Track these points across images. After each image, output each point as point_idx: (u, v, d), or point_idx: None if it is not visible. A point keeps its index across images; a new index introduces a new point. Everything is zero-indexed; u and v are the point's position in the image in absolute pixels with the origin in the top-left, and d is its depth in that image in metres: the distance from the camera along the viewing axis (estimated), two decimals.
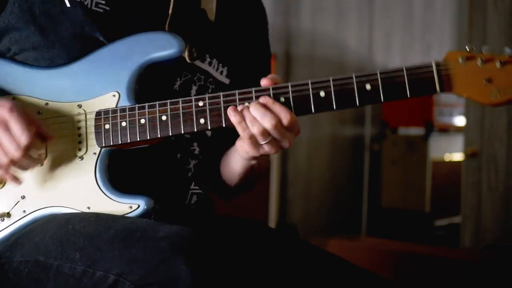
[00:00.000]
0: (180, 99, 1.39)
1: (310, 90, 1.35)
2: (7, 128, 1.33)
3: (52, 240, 1.32)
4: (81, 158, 1.42)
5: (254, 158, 1.43)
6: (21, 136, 1.32)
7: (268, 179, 4.09)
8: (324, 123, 5.05)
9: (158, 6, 1.50)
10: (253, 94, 1.36)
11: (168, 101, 1.39)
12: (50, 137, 1.39)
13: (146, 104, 1.40)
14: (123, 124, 1.40)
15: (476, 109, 3.79)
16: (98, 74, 1.43)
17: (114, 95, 1.42)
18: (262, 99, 1.35)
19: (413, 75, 1.32)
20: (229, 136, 1.46)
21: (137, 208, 1.37)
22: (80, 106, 1.43)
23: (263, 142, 1.35)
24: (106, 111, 1.41)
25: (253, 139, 1.35)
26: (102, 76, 1.43)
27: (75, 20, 1.43)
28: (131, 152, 1.44)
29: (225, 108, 1.37)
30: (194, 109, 1.38)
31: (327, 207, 5.07)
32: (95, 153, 1.41)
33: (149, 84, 1.45)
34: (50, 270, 1.29)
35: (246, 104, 1.36)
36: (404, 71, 1.32)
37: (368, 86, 1.33)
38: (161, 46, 1.42)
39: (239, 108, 1.35)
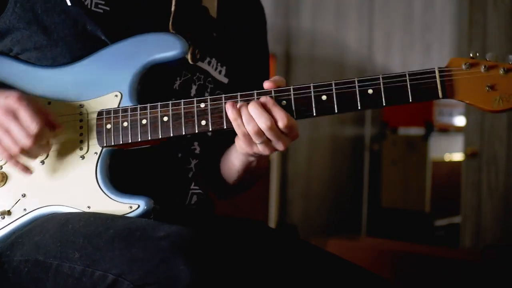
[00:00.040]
0: (182, 101, 1.39)
1: (312, 93, 1.35)
2: (16, 117, 1.33)
3: (52, 240, 1.32)
4: (82, 157, 1.42)
5: (251, 155, 1.44)
6: (31, 124, 1.32)
7: (268, 179, 4.09)
8: (324, 123, 5.05)
9: (160, 5, 1.50)
10: (255, 97, 1.36)
11: (170, 102, 1.39)
12: (59, 126, 1.39)
13: (148, 105, 1.40)
14: (125, 124, 1.40)
15: (476, 110, 3.77)
16: (101, 74, 1.43)
17: (116, 95, 1.42)
18: (263, 99, 1.35)
19: (416, 80, 1.32)
20: (230, 135, 1.46)
21: (137, 208, 1.37)
22: (82, 105, 1.43)
23: (257, 142, 1.35)
24: (108, 111, 1.41)
25: (247, 137, 1.35)
26: (105, 76, 1.43)
27: (77, 19, 1.44)
28: (132, 152, 1.44)
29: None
30: (195, 111, 1.38)
31: (327, 207, 5.07)
32: (96, 153, 1.41)
33: (149, 83, 1.45)
34: (50, 270, 1.29)
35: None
36: (407, 76, 1.32)
37: (370, 91, 1.33)
38: (164, 47, 1.42)
39: (239, 105, 1.35)
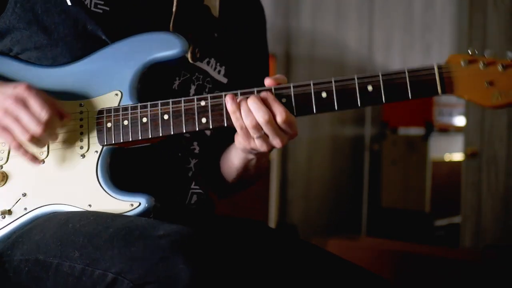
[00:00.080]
0: (183, 98, 1.39)
1: (312, 90, 1.35)
2: (26, 105, 1.34)
3: (52, 239, 1.32)
4: (83, 156, 1.42)
5: (250, 152, 1.44)
6: (41, 111, 1.33)
7: (268, 179, 4.10)
8: (324, 123, 5.05)
9: (160, 5, 1.50)
10: (255, 94, 1.37)
11: (170, 100, 1.39)
12: (67, 115, 1.40)
13: (148, 103, 1.40)
14: (125, 122, 1.40)
15: (476, 109, 3.79)
16: (101, 73, 1.43)
17: (116, 94, 1.42)
18: (263, 94, 1.35)
19: (415, 77, 1.32)
20: (229, 135, 1.47)
21: (138, 206, 1.37)
22: (82, 104, 1.43)
23: (254, 136, 1.36)
24: (109, 110, 1.42)
25: (244, 130, 1.36)
26: (105, 75, 1.43)
27: (77, 19, 1.44)
28: (133, 150, 1.44)
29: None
30: (196, 108, 1.39)
31: (327, 207, 5.07)
32: (96, 151, 1.41)
33: (149, 83, 1.45)
34: (50, 269, 1.29)
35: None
36: (406, 73, 1.33)
37: (369, 87, 1.34)
38: (164, 46, 1.42)
39: (239, 99, 1.36)
